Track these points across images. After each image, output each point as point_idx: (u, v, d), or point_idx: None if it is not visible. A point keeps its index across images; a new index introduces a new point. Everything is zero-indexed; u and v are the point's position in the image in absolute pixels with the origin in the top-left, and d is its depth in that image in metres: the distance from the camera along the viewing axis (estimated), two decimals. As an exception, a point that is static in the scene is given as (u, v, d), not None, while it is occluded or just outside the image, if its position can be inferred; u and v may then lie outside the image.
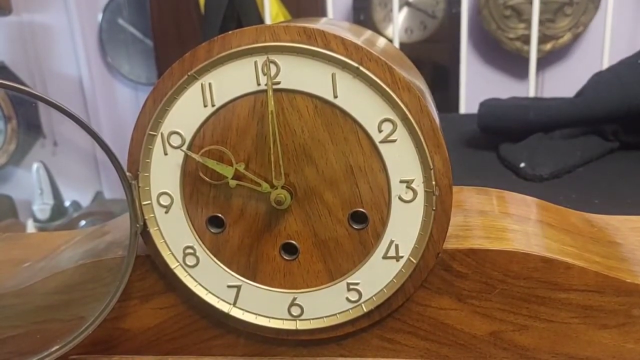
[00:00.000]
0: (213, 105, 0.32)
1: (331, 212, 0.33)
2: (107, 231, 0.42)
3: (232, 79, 0.32)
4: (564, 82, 1.43)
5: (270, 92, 0.31)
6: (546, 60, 1.48)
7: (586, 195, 0.63)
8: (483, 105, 0.79)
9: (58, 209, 1.79)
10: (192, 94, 0.32)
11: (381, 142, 0.32)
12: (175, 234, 0.35)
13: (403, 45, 1.59)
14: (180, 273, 0.36)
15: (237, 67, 0.32)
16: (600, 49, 1.21)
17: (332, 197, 0.33)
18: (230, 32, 0.32)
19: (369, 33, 0.39)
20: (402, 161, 0.32)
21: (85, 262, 0.37)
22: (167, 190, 0.34)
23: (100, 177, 1.99)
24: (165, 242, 0.35)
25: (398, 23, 1.12)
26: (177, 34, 1.53)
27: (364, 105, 0.31)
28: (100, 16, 1.86)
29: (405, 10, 1.58)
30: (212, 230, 0.35)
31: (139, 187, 0.34)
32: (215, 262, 0.35)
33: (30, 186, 1.86)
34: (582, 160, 0.71)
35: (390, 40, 1.54)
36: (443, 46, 1.59)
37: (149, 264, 0.36)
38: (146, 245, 0.36)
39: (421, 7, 1.58)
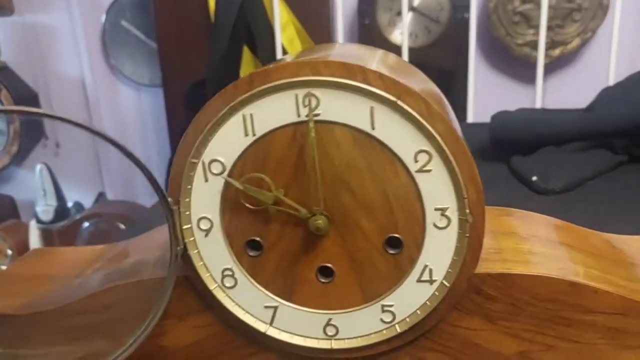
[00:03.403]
0: (254, 135, 0.34)
1: (367, 237, 0.35)
2: (138, 249, 0.44)
3: (273, 111, 0.33)
4: (572, 87, 1.45)
5: (311, 124, 0.32)
6: (554, 66, 1.49)
7: (599, 208, 0.64)
8: (495, 117, 0.80)
9: (61, 210, 1.80)
10: (234, 124, 0.34)
11: (417, 171, 0.33)
12: (214, 257, 0.36)
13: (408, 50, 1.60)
14: (218, 294, 0.37)
15: (278, 99, 0.33)
16: (608, 55, 1.23)
17: (368, 223, 0.34)
18: (271, 65, 0.33)
19: (398, 60, 0.40)
20: (437, 190, 0.33)
21: (124, 283, 0.38)
22: (207, 215, 0.36)
23: (103, 178, 1.99)
24: (204, 264, 0.37)
25: (406, 30, 1.13)
26: (182, 36, 1.54)
27: (400, 137, 0.32)
28: (103, 17, 1.86)
29: (410, 15, 1.59)
30: (250, 253, 0.36)
31: (180, 211, 0.36)
32: (253, 284, 0.37)
33: (32, 187, 1.87)
34: (593, 174, 0.73)
35: (398, 47, 1.55)
36: (447, 51, 1.60)
37: (186, 284, 0.38)
38: (185, 267, 0.37)
39: (426, 12, 1.60)
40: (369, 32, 1.62)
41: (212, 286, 0.37)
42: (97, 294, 0.39)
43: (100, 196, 1.97)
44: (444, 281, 0.34)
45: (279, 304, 0.37)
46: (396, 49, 1.60)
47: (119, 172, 1.98)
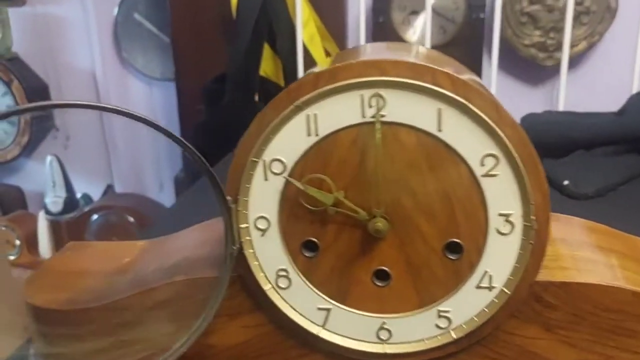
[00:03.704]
0: (317, 135, 0.33)
1: (426, 241, 0.34)
2: (184, 246, 0.43)
3: (337, 111, 0.33)
4: (577, 90, 1.44)
5: (378, 126, 0.32)
6: (560, 68, 1.48)
7: (632, 213, 0.64)
8: (524, 120, 0.80)
9: (70, 202, 1.79)
10: (297, 123, 0.33)
11: (483, 176, 0.32)
12: (269, 257, 0.36)
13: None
14: (271, 294, 0.36)
15: (343, 99, 0.32)
16: (615, 59, 1.22)
17: (428, 227, 0.34)
18: (337, 65, 0.33)
19: (458, 64, 0.40)
20: (502, 195, 0.33)
21: (177, 280, 0.38)
22: (264, 215, 0.35)
23: (112, 170, 1.99)
24: (259, 264, 0.36)
25: (429, 32, 1.13)
26: (197, 31, 1.53)
27: (468, 140, 0.32)
28: (115, 10, 1.85)
29: (424, 14, 1.58)
30: (305, 254, 0.36)
31: (237, 210, 0.35)
32: (307, 285, 0.36)
33: (41, 178, 1.86)
34: (625, 178, 0.72)
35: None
36: (462, 51, 1.59)
37: (239, 283, 0.37)
38: (239, 266, 0.36)
39: (441, 11, 1.59)
40: (382, 30, 1.61)
41: (265, 286, 0.36)
42: (149, 291, 0.38)
43: (109, 188, 1.96)
44: (504, 288, 0.34)
45: (332, 306, 0.36)
46: (411, 49, 1.60)
47: (127, 164, 1.97)
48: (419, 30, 1.58)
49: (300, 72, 1.04)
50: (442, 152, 0.32)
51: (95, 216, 1.75)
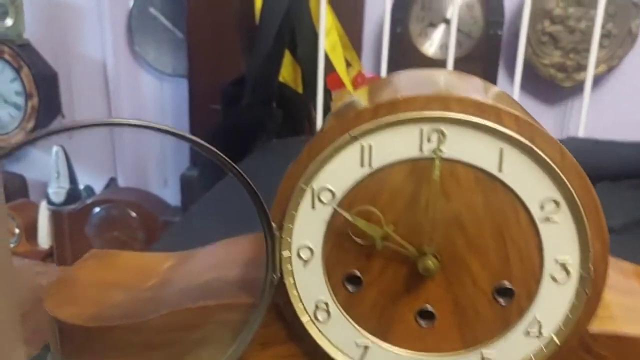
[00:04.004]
0: (370, 166, 0.32)
1: (476, 283, 0.33)
2: (215, 264, 0.42)
3: (394, 143, 0.31)
4: (594, 112, 1.43)
5: (437, 162, 0.31)
6: (577, 90, 1.48)
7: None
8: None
9: (73, 193, 1.78)
10: (351, 153, 0.32)
11: (542, 220, 0.31)
12: (309, 288, 0.35)
13: (437, 62, 1.59)
14: (309, 326, 0.35)
15: (401, 132, 0.31)
16: (633, 84, 1.21)
17: (479, 268, 0.33)
18: (398, 97, 0.31)
19: (510, 97, 0.39)
20: (560, 241, 0.31)
21: (209, 304, 0.37)
22: (308, 244, 0.34)
23: (116, 163, 1.97)
24: (298, 294, 0.35)
25: (452, 48, 1.12)
26: (214, 31, 1.52)
27: (529, 183, 0.31)
28: (131, 2, 1.84)
29: (442, 26, 1.57)
30: (348, 288, 0.34)
31: (281, 238, 0.34)
32: (347, 319, 0.35)
33: (44, 166, 1.85)
34: (654, 213, 0.71)
35: (427, 57, 1.53)
36: (477, 66, 1.58)
37: (275, 312, 0.36)
38: (276, 294, 0.35)
39: (458, 25, 1.58)
40: (399, 40, 1.60)
41: (303, 318, 0.35)
42: (178, 313, 0.37)
43: (112, 181, 1.95)
44: (554, 337, 0.33)
45: (371, 342, 0.35)
46: (426, 60, 1.59)
47: (132, 158, 1.96)
48: (436, 42, 1.58)
49: (321, 80, 1.02)
50: (500, 193, 0.31)
51: (97, 209, 1.73)
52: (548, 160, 0.30)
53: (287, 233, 0.34)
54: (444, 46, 1.60)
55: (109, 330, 0.38)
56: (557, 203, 0.31)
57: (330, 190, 0.33)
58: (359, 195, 0.33)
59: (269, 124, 0.97)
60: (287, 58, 1.04)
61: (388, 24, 1.01)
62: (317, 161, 0.32)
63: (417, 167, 0.32)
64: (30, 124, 1.94)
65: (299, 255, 0.34)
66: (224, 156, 0.32)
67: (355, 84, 1.23)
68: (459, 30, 1.58)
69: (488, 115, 0.30)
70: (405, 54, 1.58)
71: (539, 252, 0.32)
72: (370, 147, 0.32)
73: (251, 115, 0.97)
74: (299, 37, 0.99)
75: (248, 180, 0.32)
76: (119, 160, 1.97)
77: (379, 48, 1.61)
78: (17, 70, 1.90)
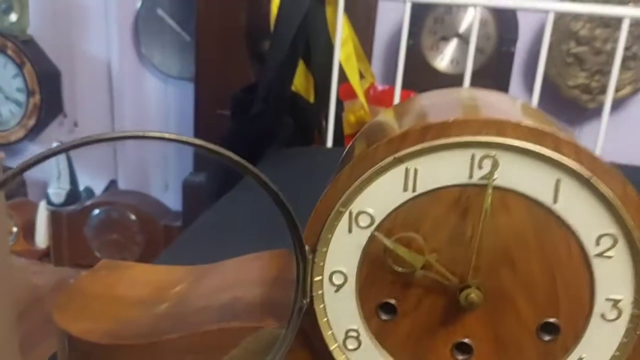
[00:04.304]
0: (414, 191, 0.30)
1: (520, 319, 0.31)
2: (235, 283, 0.40)
3: (443, 168, 0.30)
4: (616, 135, 1.42)
5: (489, 190, 0.29)
6: (601, 111, 1.47)
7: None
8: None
9: (72, 194, 1.76)
10: (394, 176, 0.30)
11: (596, 255, 0.29)
12: (340, 315, 0.33)
13: (447, 76, 1.58)
14: (337, 355, 0.33)
15: (451, 157, 0.29)
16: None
17: (525, 304, 0.31)
18: (450, 120, 0.29)
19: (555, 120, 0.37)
20: (614, 279, 0.30)
21: (230, 327, 0.35)
22: (342, 269, 0.32)
23: (117, 165, 1.95)
24: (328, 320, 0.33)
25: (470, 65, 1.10)
26: (222, 36, 1.50)
27: (586, 217, 0.29)
28: (139, 3, 1.82)
29: (455, 41, 1.56)
30: (381, 316, 0.32)
31: (313, 262, 0.32)
32: (378, 349, 0.33)
33: (43, 166, 1.82)
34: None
35: (438, 71, 1.52)
36: (487, 82, 1.57)
37: (301, 338, 0.34)
38: (305, 320, 0.33)
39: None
40: (410, 53, 1.59)
41: (332, 346, 0.33)
42: (200, 334, 0.35)
43: (112, 184, 1.92)
44: (601, 378, 0.31)
45: (404, 375, 0.33)
46: (436, 74, 1.57)
47: (134, 161, 1.94)
48: (448, 57, 1.56)
49: (334, 90, 1.01)
50: (553, 226, 0.29)
51: (96, 211, 1.72)
52: (609, 195, 0.28)
53: (321, 257, 0.32)
54: (454, 61, 1.59)
55: (123, 349, 0.36)
56: (614, 239, 0.29)
57: (370, 215, 0.31)
58: (400, 220, 0.31)
59: (280, 133, 0.95)
60: (300, 67, 1.02)
61: (405, 37, 0.99)
62: (357, 183, 0.30)
63: (465, 195, 0.30)
64: (31, 122, 1.92)
65: (331, 281, 0.32)
66: (263, 176, 0.30)
67: (368, 96, 1.21)
68: (470, 45, 1.57)
69: (546, 143, 0.28)
70: (415, 67, 1.56)
71: (590, 289, 0.30)
72: (415, 171, 0.30)
73: (262, 123, 0.95)
74: (313, 46, 0.97)
75: (285, 202, 0.30)
76: (120, 162, 1.94)
77: (388, 60, 1.60)
78: (20, 67, 1.88)
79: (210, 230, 0.68)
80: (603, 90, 1.39)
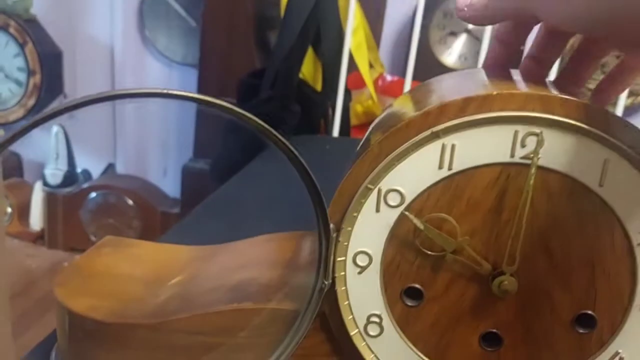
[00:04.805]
0: (449, 169, 0.28)
1: (554, 310, 0.29)
2: (248, 263, 0.38)
3: (482, 145, 0.28)
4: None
5: (533, 170, 0.27)
6: (623, 115, 1.45)
7: None
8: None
9: (70, 176, 1.73)
10: (429, 152, 0.28)
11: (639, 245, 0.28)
12: (363, 298, 0.31)
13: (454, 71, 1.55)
14: (357, 340, 0.31)
15: (492, 132, 0.28)
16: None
17: (561, 294, 0.29)
18: (493, 92, 0.28)
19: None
20: (659, 271, 0.28)
21: (245, 307, 0.33)
22: (367, 250, 0.30)
23: (116, 148, 1.92)
24: (349, 304, 0.31)
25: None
26: (229, 22, 1.48)
27: (634, 202, 0.27)
28: (145, -14, 1.79)
29: (463, 36, 1.54)
30: (406, 302, 0.31)
31: (337, 241, 0.30)
32: (401, 337, 0.31)
33: (41, 146, 1.80)
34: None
35: (444, 66, 1.50)
36: (495, 80, 1.55)
37: (319, 322, 0.32)
38: (324, 303, 0.31)
39: (479, 36, 1.55)
40: (418, 46, 1.57)
41: (352, 331, 0.31)
42: (208, 315, 0.33)
43: (110, 167, 1.90)
44: (639, 375, 0.29)
45: (427, 365, 0.31)
46: (443, 69, 1.55)
47: (133, 145, 1.91)
48: (456, 52, 1.54)
49: (343, 79, 0.99)
50: (597, 210, 0.28)
51: (93, 194, 1.69)
52: (660, 177, 0.27)
53: (345, 236, 0.30)
54: (463, 56, 1.57)
55: (129, 328, 0.34)
56: (662, 227, 0.27)
57: (400, 193, 0.29)
58: (432, 200, 0.29)
59: (287, 120, 0.93)
60: (309, 55, 1.00)
61: (418, 29, 0.97)
62: (389, 159, 0.28)
63: (504, 174, 0.28)
64: (31, 102, 1.89)
65: (354, 262, 0.30)
66: (290, 145, 0.28)
67: (376, 86, 1.19)
68: (479, 41, 1.55)
69: (595, 122, 0.27)
70: (422, 61, 1.54)
71: (632, 280, 0.28)
72: (453, 147, 0.28)
73: (269, 109, 0.93)
74: (324, 33, 0.95)
75: (310, 172, 0.28)
76: (119, 145, 1.92)
77: (395, 51, 1.58)
78: (22, 46, 1.85)
79: (216, 213, 0.66)
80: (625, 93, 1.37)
